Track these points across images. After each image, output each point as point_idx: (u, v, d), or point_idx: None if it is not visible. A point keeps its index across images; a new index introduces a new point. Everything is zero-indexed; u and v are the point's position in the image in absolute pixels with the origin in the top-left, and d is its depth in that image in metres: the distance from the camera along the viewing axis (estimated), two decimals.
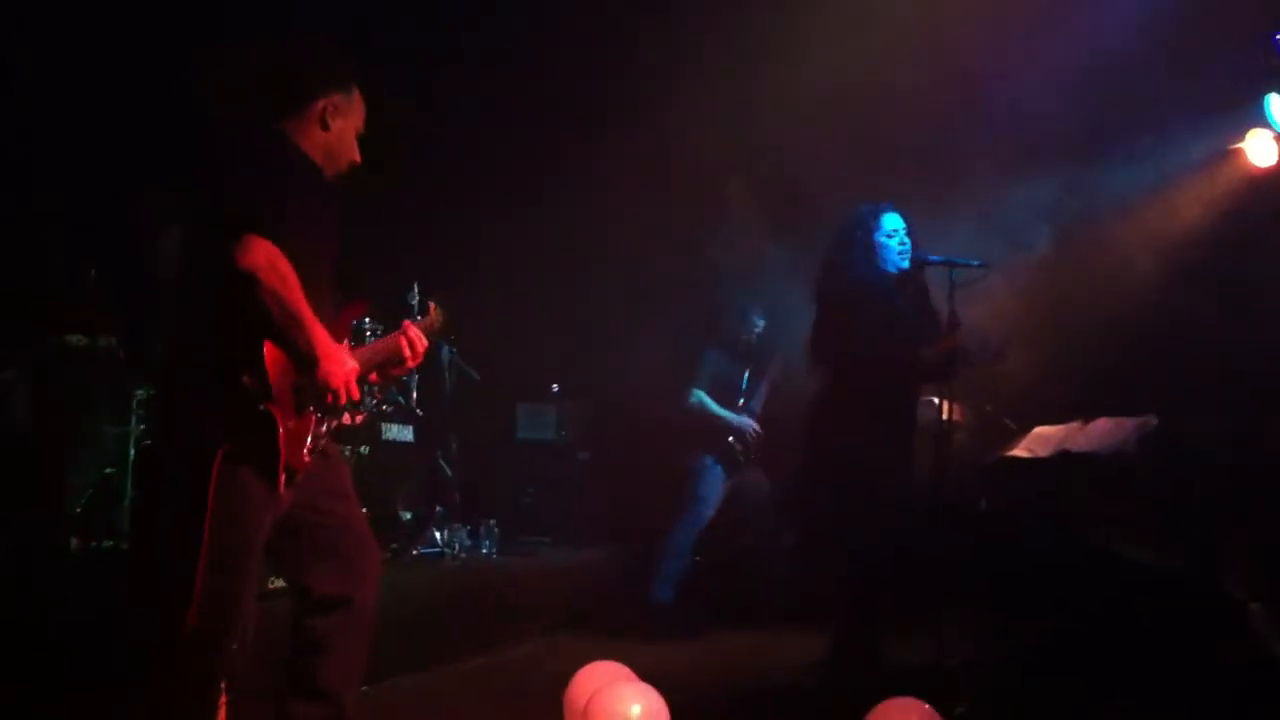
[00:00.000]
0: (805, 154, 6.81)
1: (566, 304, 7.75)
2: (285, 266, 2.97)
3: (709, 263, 7.54)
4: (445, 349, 6.98)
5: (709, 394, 6.70)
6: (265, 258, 2.93)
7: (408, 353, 3.48)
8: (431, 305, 3.79)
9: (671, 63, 6.88)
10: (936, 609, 4.79)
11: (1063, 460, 5.21)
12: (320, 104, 3.26)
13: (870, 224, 4.75)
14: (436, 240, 7.28)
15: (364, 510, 3.55)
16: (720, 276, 7.30)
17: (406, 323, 3.56)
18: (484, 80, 7.32)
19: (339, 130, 3.30)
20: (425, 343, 3.55)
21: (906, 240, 4.76)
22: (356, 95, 3.35)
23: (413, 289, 6.49)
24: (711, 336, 6.87)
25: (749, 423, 6.72)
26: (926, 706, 3.73)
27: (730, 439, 6.70)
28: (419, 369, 6.61)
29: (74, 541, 4.90)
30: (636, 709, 3.81)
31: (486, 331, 7.01)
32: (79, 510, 5.01)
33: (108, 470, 5.21)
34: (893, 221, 4.76)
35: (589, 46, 7.13)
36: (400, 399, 6.56)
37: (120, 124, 5.38)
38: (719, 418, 6.67)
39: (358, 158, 3.38)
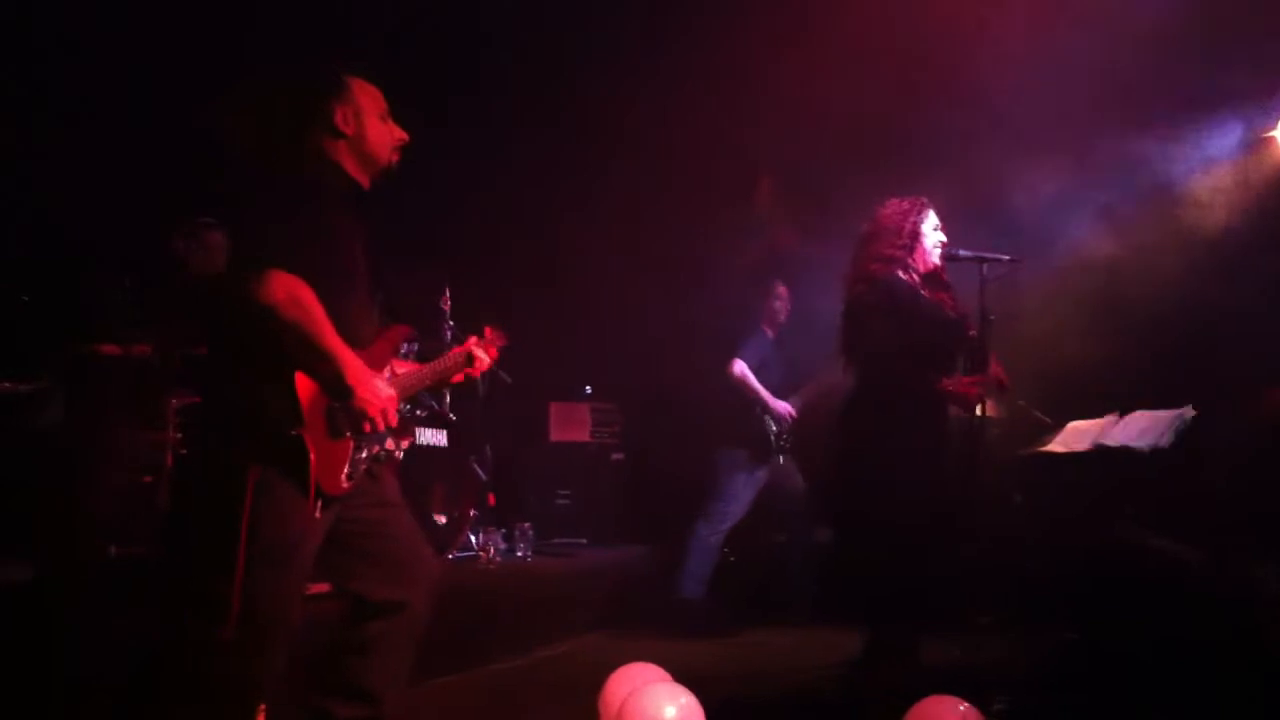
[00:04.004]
0: (832, 153, 6.81)
1: (598, 305, 7.74)
2: (308, 299, 2.95)
3: (739, 262, 7.53)
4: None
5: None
6: (285, 292, 2.91)
7: (464, 373, 3.54)
8: (487, 329, 3.81)
9: (699, 63, 6.88)
10: (972, 606, 4.77)
11: (1098, 454, 5.19)
12: (332, 113, 3.26)
13: (914, 219, 4.72)
14: (465, 242, 7.29)
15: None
16: (751, 274, 7.27)
17: (455, 351, 3.60)
18: (511, 77, 7.34)
19: (360, 128, 3.27)
20: (488, 363, 3.60)
21: (943, 236, 4.74)
22: (358, 85, 3.31)
23: (443, 292, 6.52)
24: (757, 319, 6.84)
25: (786, 406, 6.67)
26: (965, 704, 3.71)
27: (766, 419, 6.64)
28: None
29: (112, 549, 4.93)
30: (671, 710, 3.81)
31: (518, 333, 7.01)
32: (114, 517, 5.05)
33: (145, 478, 5.26)
34: (932, 217, 4.75)
35: (618, 46, 7.13)
36: (433, 403, 6.58)
37: (156, 138, 5.42)
38: (759, 394, 6.60)
39: (403, 135, 3.36)
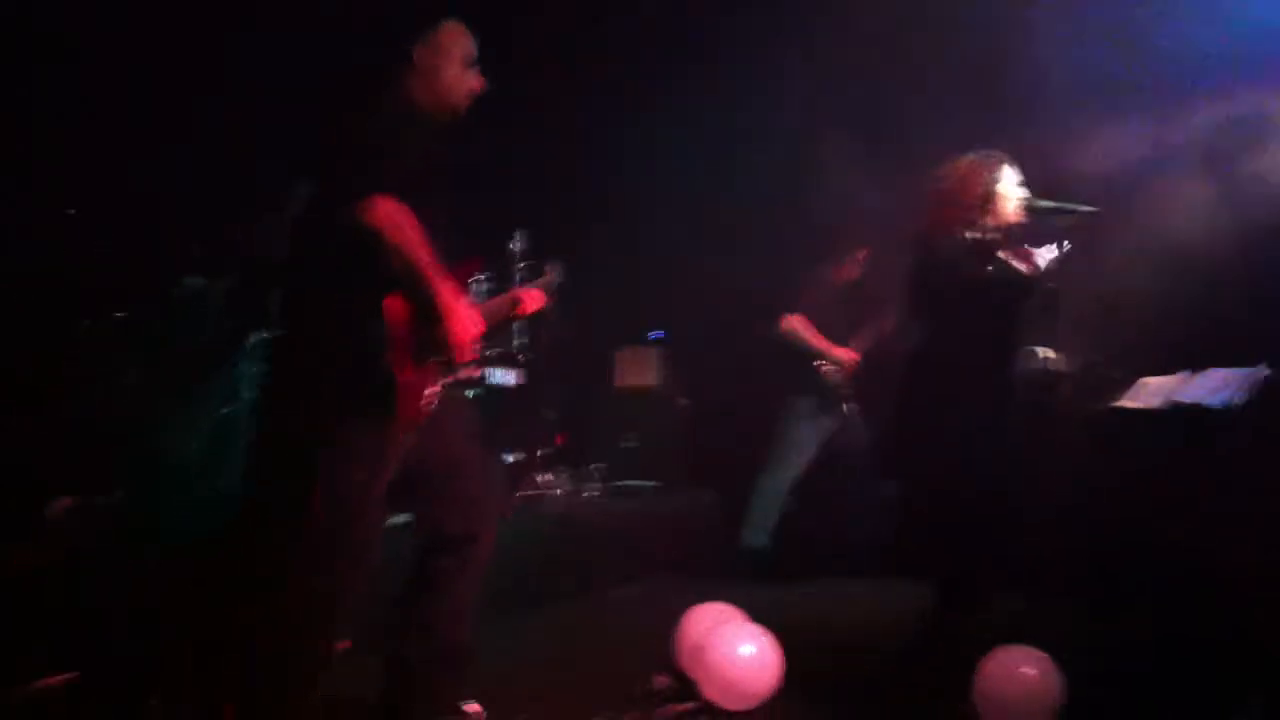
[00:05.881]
0: (905, 101, 6.76)
1: (665, 250, 7.75)
2: (410, 224, 3.03)
3: (807, 209, 7.49)
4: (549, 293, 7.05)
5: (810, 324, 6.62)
6: (390, 216, 2.99)
7: (521, 311, 3.59)
8: (547, 269, 3.88)
9: (766, 10, 6.84)
10: (1043, 559, 4.79)
11: (1172, 411, 5.16)
12: (416, 49, 3.32)
13: (988, 177, 4.67)
14: (535, 186, 7.32)
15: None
16: (818, 223, 7.23)
17: (516, 290, 3.66)
18: (580, 16, 7.32)
19: (437, 67, 3.34)
20: (542, 301, 3.64)
21: (1022, 190, 4.70)
22: (449, 27, 3.39)
23: (515, 236, 6.57)
24: (817, 267, 6.81)
25: (849, 353, 6.62)
26: (1041, 653, 3.74)
27: (826, 369, 6.62)
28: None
29: (198, 485, 5.04)
30: (749, 649, 3.88)
31: (585, 277, 7.07)
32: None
33: (225, 410, 5.37)
34: (1011, 172, 4.69)
35: None
36: (503, 344, 6.65)
37: (240, 90, 5.48)
38: (812, 346, 6.57)
39: (476, 85, 3.42)
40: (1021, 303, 4.62)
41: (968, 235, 4.62)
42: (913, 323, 4.87)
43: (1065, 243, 4.55)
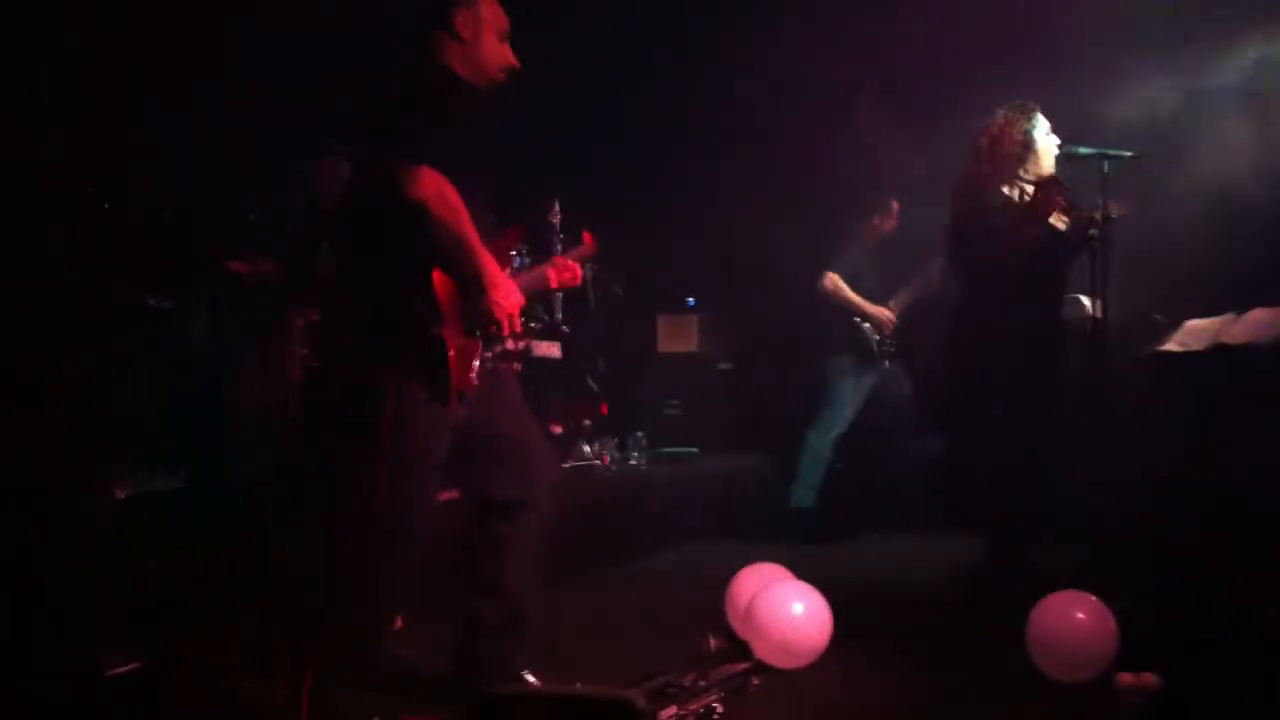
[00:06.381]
0: (935, 58, 6.71)
1: (703, 216, 7.75)
2: (454, 196, 3.05)
3: (841, 173, 7.45)
4: (588, 265, 7.07)
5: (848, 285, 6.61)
6: (435, 188, 3.01)
7: (556, 283, 3.60)
8: (586, 234, 3.90)
9: None
10: (1093, 507, 4.77)
11: (1218, 353, 5.11)
12: (453, 15, 3.32)
13: (1022, 127, 4.64)
14: (575, 156, 7.33)
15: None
16: (852, 185, 7.20)
17: (556, 257, 3.67)
18: None
19: (477, 39, 3.34)
20: (579, 270, 3.65)
21: (1056, 139, 4.66)
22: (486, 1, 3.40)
23: (554, 206, 6.58)
24: (852, 224, 6.79)
25: (886, 312, 6.63)
26: (1093, 598, 3.73)
27: (866, 326, 6.62)
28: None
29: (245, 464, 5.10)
30: (800, 607, 3.90)
31: (626, 245, 7.08)
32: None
33: (273, 393, 5.43)
34: (1042, 122, 4.66)
35: None
36: (546, 316, 6.68)
37: (286, 66, 5.51)
38: (853, 303, 6.58)
39: (512, 60, 3.42)
40: (1065, 260, 4.60)
41: (1006, 190, 4.60)
42: (955, 276, 4.86)
43: (1122, 207, 4.53)
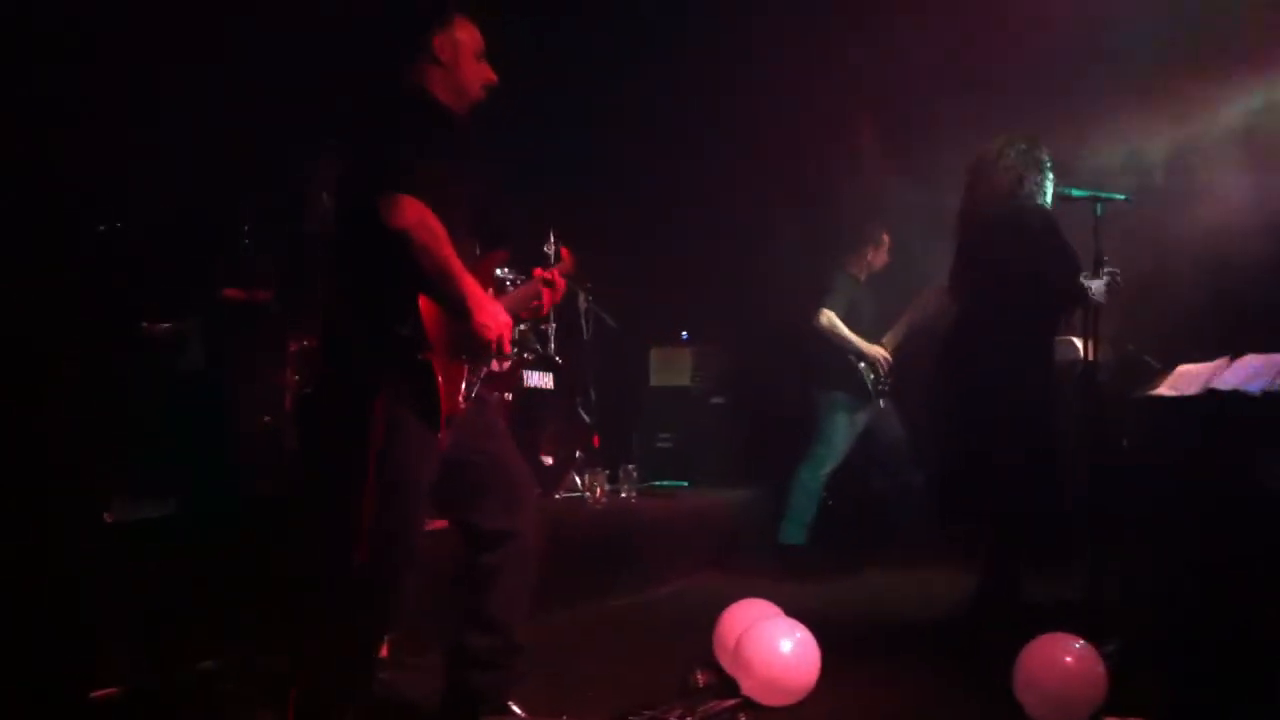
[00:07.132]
0: (930, 90, 6.75)
1: (698, 249, 7.77)
2: (435, 223, 3.08)
3: (836, 201, 7.48)
4: (581, 296, 7.11)
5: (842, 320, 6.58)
6: (416, 216, 3.05)
7: (544, 300, 3.63)
8: (563, 250, 3.94)
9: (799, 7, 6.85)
10: (1084, 548, 4.76)
11: (1209, 398, 5.13)
12: (431, 39, 3.36)
13: (1036, 155, 4.67)
14: (568, 189, 7.35)
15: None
16: (848, 213, 7.22)
17: (536, 270, 3.69)
18: (614, 20, 7.36)
19: (456, 59, 3.38)
20: (562, 283, 3.68)
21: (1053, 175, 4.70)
22: (461, 20, 3.43)
23: (549, 238, 6.61)
24: (845, 259, 6.78)
25: (881, 351, 6.59)
26: (1082, 641, 3.73)
27: (861, 365, 6.60)
28: (557, 317, 6.80)
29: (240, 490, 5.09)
30: (788, 644, 3.89)
31: (618, 278, 7.10)
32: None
33: (266, 419, 5.44)
34: (1042, 155, 4.69)
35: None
36: (539, 347, 6.69)
37: (273, 89, 5.53)
38: (849, 341, 6.55)
39: (491, 76, 3.46)
40: (1069, 281, 4.58)
41: (1037, 202, 4.63)
42: (957, 304, 4.87)
43: (1117, 274, 4.56)
